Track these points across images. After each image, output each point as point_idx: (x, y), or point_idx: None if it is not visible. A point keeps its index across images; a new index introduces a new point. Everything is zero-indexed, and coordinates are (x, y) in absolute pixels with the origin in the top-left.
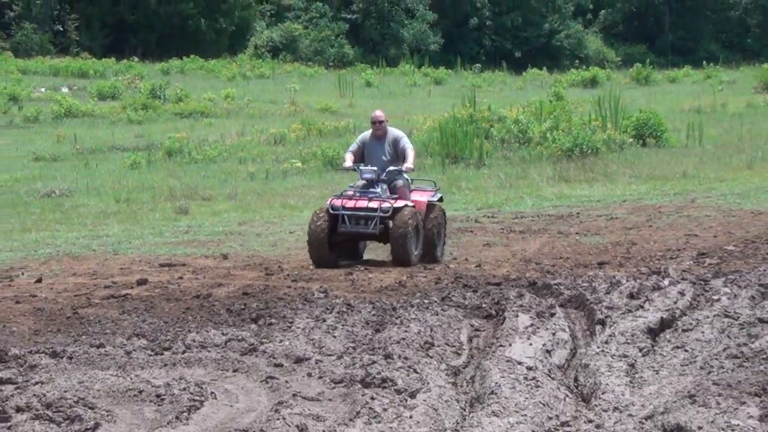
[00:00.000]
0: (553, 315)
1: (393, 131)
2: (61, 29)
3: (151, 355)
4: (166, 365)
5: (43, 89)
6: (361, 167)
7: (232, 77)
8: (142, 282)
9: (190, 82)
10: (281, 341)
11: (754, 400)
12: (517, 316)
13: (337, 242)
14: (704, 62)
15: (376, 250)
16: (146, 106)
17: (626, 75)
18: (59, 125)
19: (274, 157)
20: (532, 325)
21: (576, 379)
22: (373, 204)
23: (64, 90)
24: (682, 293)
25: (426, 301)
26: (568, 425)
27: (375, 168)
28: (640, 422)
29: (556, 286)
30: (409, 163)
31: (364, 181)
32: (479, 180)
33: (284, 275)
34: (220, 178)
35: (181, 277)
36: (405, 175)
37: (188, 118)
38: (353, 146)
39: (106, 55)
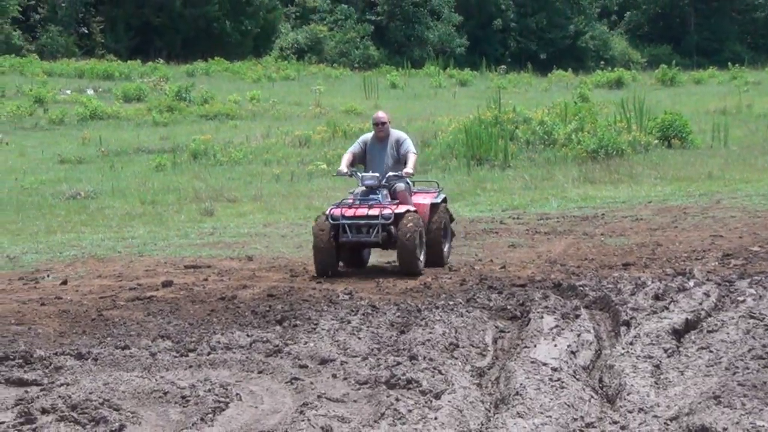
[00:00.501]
0: (578, 316)
1: (395, 133)
2: (87, 32)
3: (176, 357)
4: (191, 367)
5: (68, 91)
6: (361, 173)
7: (257, 79)
8: (167, 284)
9: (215, 83)
10: (306, 343)
11: None
12: (542, 317)
13: (340, 251)
14: (729, 63)
15: (385, 255)
16: (171, 108)
17: (651, 76)
18: (84, 128)
19: (300, 158)
20: (557, 326)
21: (601, 381)
22: (374, 211)
23: (90, 92)
24: (707, 294)
25: (451, 303)
26: (593, 426)
27: (376, 174)
28: (665, 423)
29: (581, 288)
30: (409, 168)
31: (365, 188)
32: (504, 182)
33: (309, 277)
34: (245, 180)
35: (206, 279)
36: (407, 179)
37: (213, 120)
38: (354, 146)
39: (132, 58)
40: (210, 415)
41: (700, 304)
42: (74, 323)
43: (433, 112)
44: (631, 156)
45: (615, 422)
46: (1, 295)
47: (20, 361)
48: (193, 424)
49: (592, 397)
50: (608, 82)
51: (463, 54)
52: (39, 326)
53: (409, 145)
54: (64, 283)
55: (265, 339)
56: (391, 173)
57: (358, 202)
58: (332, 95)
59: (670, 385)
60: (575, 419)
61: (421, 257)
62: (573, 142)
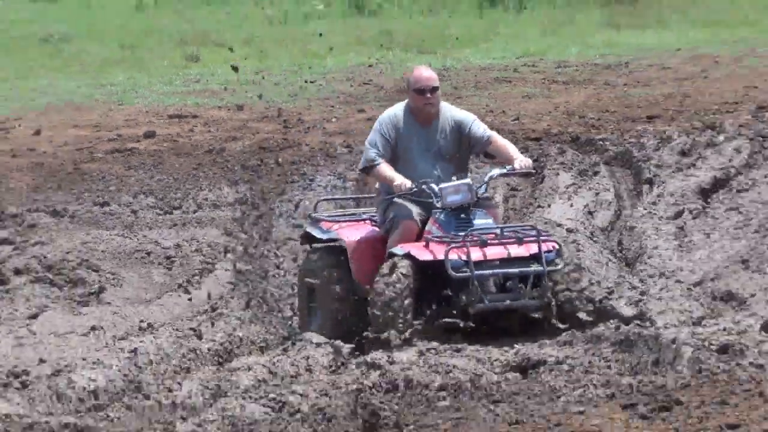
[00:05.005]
0: (596, 173)
1: (452, 111)
2: None
3: (159, 215)
4: (176, 225)
5: None
6: (438, 185)
7: None
8: (149, 135)
9: None
10: (301, 200)
11: None
12: (558, 174)
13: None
14: None
15: None
16: None
17: None
18: None
19: None
20: (573, 184)
21: (620, 243)
22: (522, 249)
23: None
24: (738, 150)
25: None
26: (611, 291)
27: (466, 181)
28: (687, 289)
29: (601, 142)
30: (525, 159)
31: (447, 209)
32: (519, 26)
33: (304, 128)
34: (235, 23)
35: (191, 130)
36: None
37: None
38: (378, 139)
39: None
40: (196, 277)
41: (730, 160)
42: (49, 177)
43: None
44: None
45: (634, 287)
46: None
47: None
48: (178, 287)
49: (610, 260)
50: None
51: None
52: (10, 180)
53: (486, 128)
54: (38, 133)
55: (256, 196)
56: (495, 171)
57: (458, 233)
58: None
59: (694, 249)
60: (592, 284)
61: None
62: None
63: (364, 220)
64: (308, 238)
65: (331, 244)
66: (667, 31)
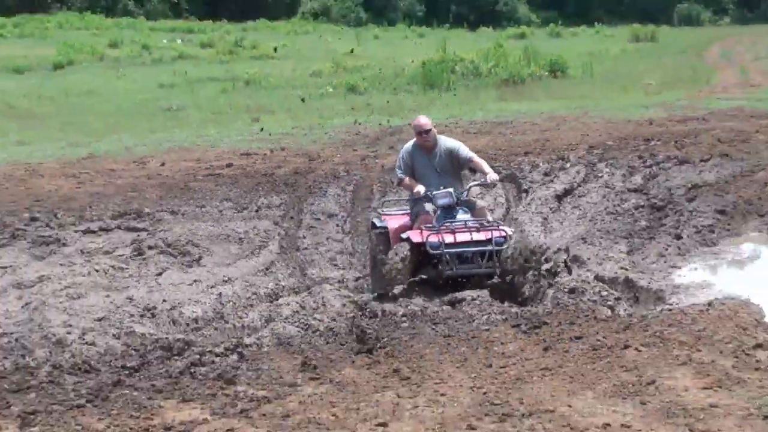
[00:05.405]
0: (494, 186)
1: (445, 141)
2: (176, 1)
3: (235, 212)
4: (244, 219)
5: (165, 41)
6: (434, 192)
7: (287, 33)
8: (229, 165)
9: (261, 36)
10: (319, 203)
11: (624, 241)
12: (471, 188)
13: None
14: (595, 23)
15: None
16: (232, 51)
17: (544, 31)
18: (175, 65)
19: (315, 85)
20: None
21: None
22: (482, 234)
23: (179, 41)
24: (578, 172)
25: None
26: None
27: (449, 190)
28: (548, 255)
29: (497, 168)
30: (492, 173)
31: (441, 208)
32: (447, 100)
33: (321, 161)
34: (280, 99)
35: (254, 162)
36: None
37: (259, 59)
38: (402, 164)
39: (206, 18)
40: (257, 250)
41: (574, 178)
42: (169, 191)
43: (401, 55)
44: (530, 83)
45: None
46: (121, 172)
47: (134, 215)
48: (246, 256)
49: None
50: (516, 35)
51: (422, 16)
52: (146, 193)
53: (468, 151)
54: (163, 164)
55: (292, 201)
56: (473, 183)
57: (446, 225)
58: (336, 43)
59: (553, 231)
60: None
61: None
62: (492, 74)
63: (408, 213)
64: (373, 226)
65: (383, 230)
66: (536, 102)
